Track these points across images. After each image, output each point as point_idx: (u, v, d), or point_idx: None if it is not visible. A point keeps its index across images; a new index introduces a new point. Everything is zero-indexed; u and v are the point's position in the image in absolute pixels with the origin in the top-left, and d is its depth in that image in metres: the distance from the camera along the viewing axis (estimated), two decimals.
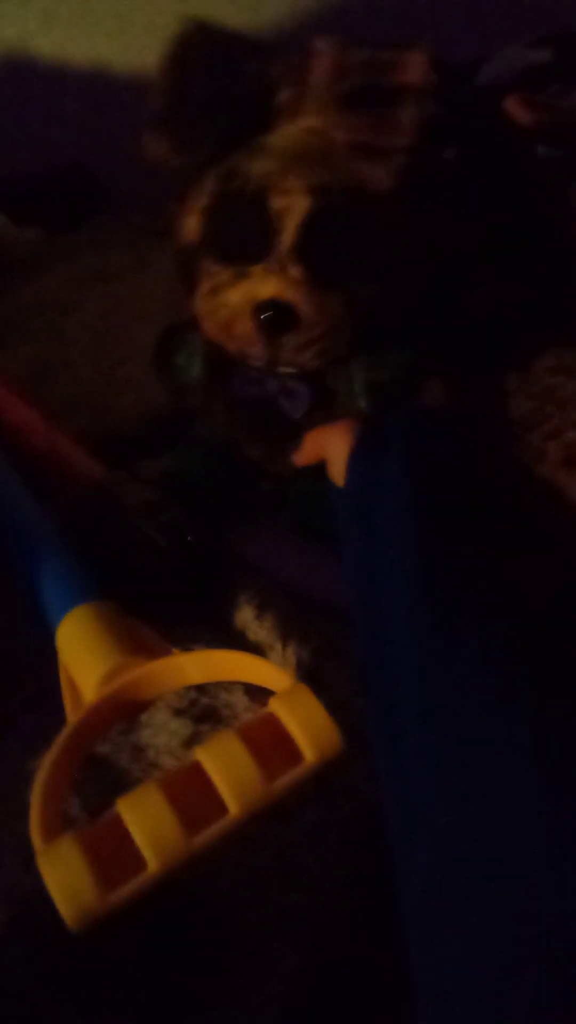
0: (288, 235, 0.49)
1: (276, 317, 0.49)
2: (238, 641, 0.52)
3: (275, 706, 0.41)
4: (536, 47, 0.85)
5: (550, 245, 0.68)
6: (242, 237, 0.50)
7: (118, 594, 0.50)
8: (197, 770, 0.39)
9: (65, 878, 0.36)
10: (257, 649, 0.52)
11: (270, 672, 0.45)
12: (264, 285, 0.49)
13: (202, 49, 0.51)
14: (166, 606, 0.52)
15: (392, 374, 0.55)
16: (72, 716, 0.45)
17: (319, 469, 0.54)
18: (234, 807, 0.37)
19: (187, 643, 0.50)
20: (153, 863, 0.36)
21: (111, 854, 0.37)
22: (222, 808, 0.38)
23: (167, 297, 0.78)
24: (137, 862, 0.37)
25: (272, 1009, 0.38)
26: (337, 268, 0.50)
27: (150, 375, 0.62)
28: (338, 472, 0.51)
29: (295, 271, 0.49)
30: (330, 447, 0.53)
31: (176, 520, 0.54)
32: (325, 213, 0.49)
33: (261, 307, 0.49)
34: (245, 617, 0.53)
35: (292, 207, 0.49)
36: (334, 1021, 0.41)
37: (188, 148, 0.52)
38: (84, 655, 0.46)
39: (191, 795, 0.38)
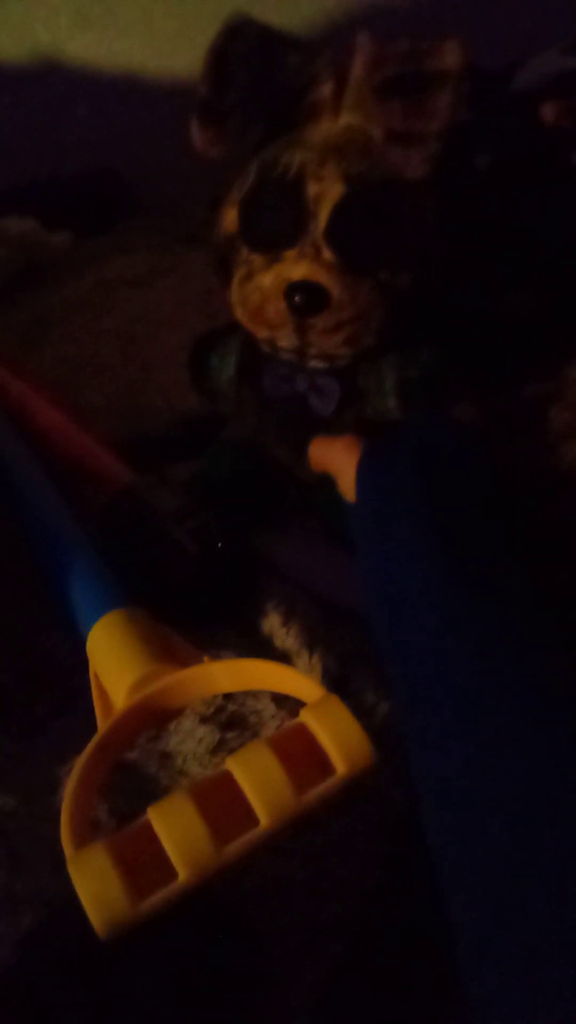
0: (322, 220, 0.50)
1: (307, 298, 0.50)
2: (265, 648, 0.52)
3: (306, 717, 0.41)
4: (570, 53, 0.84)
5: None
6: (276, 222, 0.51)
7: (148, 600, 0.50)
8: (228, 780, 0.39)
9: (96, 885, 0.36)
10: (284, 656, 0.52)
11: (301, 682, 0.45)
12: (297, 267, 0.50)
13: (246, 42, 0.52)
14: (195, 612, 0.52)
15: (422, 373, 0.55)
16: (102, 723, 0.45)
17: None
18: (265, 819, 0.37)
19: (216, 650, 0.50)
20: (183, 873, 0.36)
21: (141, 862, 0.37)
22: (252, 819, 0.38)
23: (195, 301, 0.79)
24: (167, 871, 0.37)
25: (299, 1021, 0.38)
26: (368, 254, 0.51)
27: (179, 379, 0.62)
28: (347, 487, 0.51)
29: (327, 254, 0.50)
30: (335, 463, 0.53)
31: (206, 526, 0.54)
32: (358, 199, 0.50)
33: (292, 288, 0.50)
34: (272, 624, 0.53)
35: (327, 193, 0.50)
36: None
37: (231, 138, 0.53)
38: (114, 662, 0.46)
39: (221, 805, 0.38)
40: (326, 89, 0.52)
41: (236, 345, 0.57)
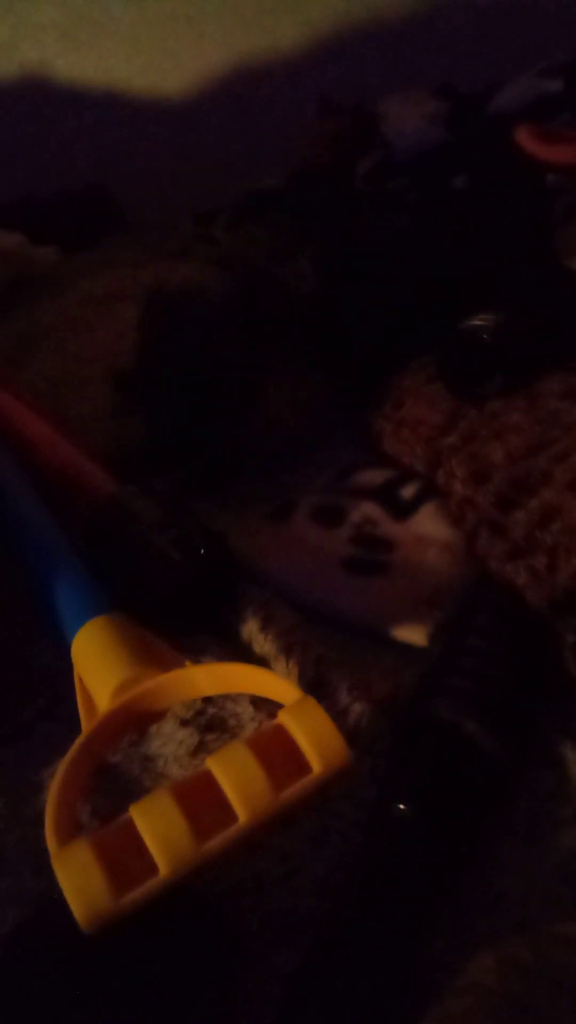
0: None
1: None
2: (245, 652, 0.53)
3: (284, 718, 0.42)
4: (549, 76, 0.86)
5: (557, 272, 0.69)
6: None
7: (132, 606, 0.51)
8: (208, 778, 0.40)
9: (79, 880, 0.37)
10: (263, 660, 0.53)
11: (278, 685, 0.46)
12: None
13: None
14: (178, 618, 0.53)
15: None
16: (86, 725, 0.46)
17: None
18: (243, 815, 0.39)
19: (197, 655, 0.51)
20: (165, 868, 0.38)
21: (123, 858, 0.38)
22: (232, 816, 0.39)
23: None
24: (149, 867, 0.38)
25: (272, 1012, 0.39)
26: None
27: None
28: None
29: None
30: None
31: (188, 533, 0.55)
32: None
33: None
34: (251, 629, 0.54)
35: None
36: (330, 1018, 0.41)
37: None
38: (98, 666, 0.47)
39: (202, 802, 0.39)
40: None
41: None
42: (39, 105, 1.12)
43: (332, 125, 0.94)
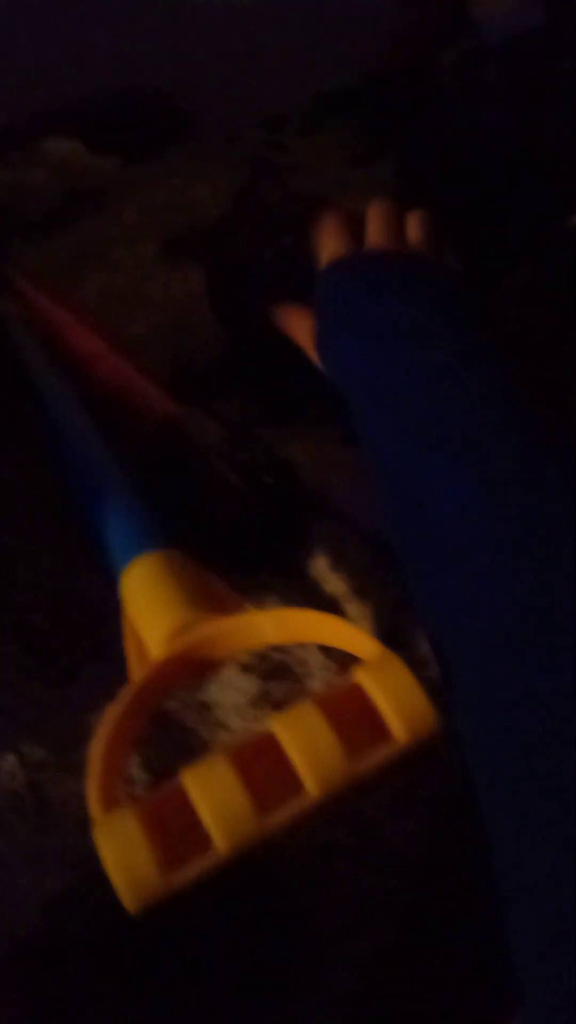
0: None
1: None
2: (313, 594, 0.51)
3: (362, 677, 0.37)
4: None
5: None
6: None
7: (190, 540, 0.48)
8: (271, 742, 0.35)
9: (124, 855, 0.33)
10: (333, 601, 0.50)
11: (356, 636, 0.41)
12: None
13: None
14: (240, 554, 0.50)
15: None
16: (136, 674, 0.42)
17: None
18: (313, 787, 0.34)
19: (259, 593, 0.48)
20: (221, 843, 0.33)
21: (174, 830, 0.33)
22: (298, 787, 0.34)
23: None
24: (203, 841, 0.33)
25: (346, 1004, 0.35)
26: None
27: None
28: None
29: None
30: (295, 332, 0.55)
31: (254, 459, 0.52)
32: None
33: None
34: (320, 568, 0.51)
35: None
36: (411, 1018, 0.37)
37: None
38: (150, 608, 0.43)
39: (263, 769, 0.35)
40: None
41: None
42: (99, 2, 1.07)
43: (417, 14, 0.87)
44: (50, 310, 0.65)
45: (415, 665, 0.41)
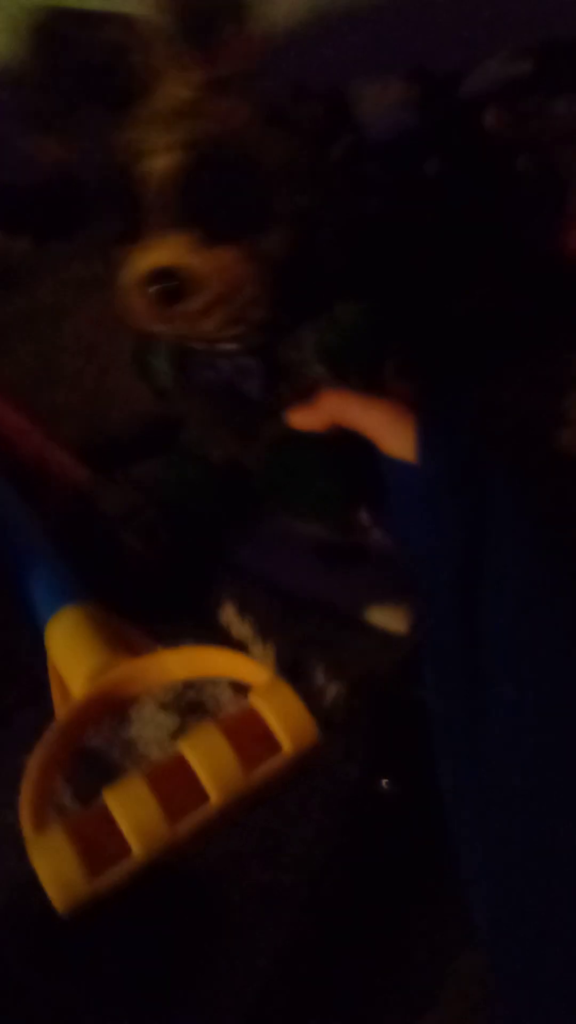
0: (158, 198, 0.45)
1: (166, 286, 0.46)
2: (223, 638, 0.54)
3: (254, 700, 0.42)
4: (518, 58, 0.85)
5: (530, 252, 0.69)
6: (115, 214, 0.47)
7: (104, 594, 0.52)
8: (181, 761, 0.41)
9: (54, 865, 0.38)
10: (240, 645, 0.53)
11: (249, 667, 0.47)
12: (146, 256, 0.46)
13: (57, 31, 0.49)
14: (150, 605, 0.53)
15: (342, 336, 0.53)
16: (60, 712, 0.47)
17: (300, 439, 0.53)
18: (215, 795, 0.39)
19: (173, 640, 0.51)
20: (137, 849, 0.38)
21: (98, 841, 0.38)
22: (204, 797, 0.40)
23: None
24: (123, 849, 0.38)
25: (256, 985, 0.40)
26: (219, 221, 0.46)
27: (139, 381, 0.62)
28: (396, 446, 0.49)
29: (175, 233, 0.46)
30: (371, 420, 0.51)
31: (150, 523, 0.55)
32: (194, 167, 0.45)
33: (148, 279, 0.46)
34: (228, 614, 0.55)
35: (156, 168, 0.45)
36: (317, 997, 0.42)
37: (71, 135, 0.50)
38: (71, 653, 0.48)
39: (175, 785, 0.40)
40: (138, 57, 0.47)
41: (165, 344, 0.56)
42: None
43: (306, 111, 0.93)
44: None
45: (313, 695, 0.47)
